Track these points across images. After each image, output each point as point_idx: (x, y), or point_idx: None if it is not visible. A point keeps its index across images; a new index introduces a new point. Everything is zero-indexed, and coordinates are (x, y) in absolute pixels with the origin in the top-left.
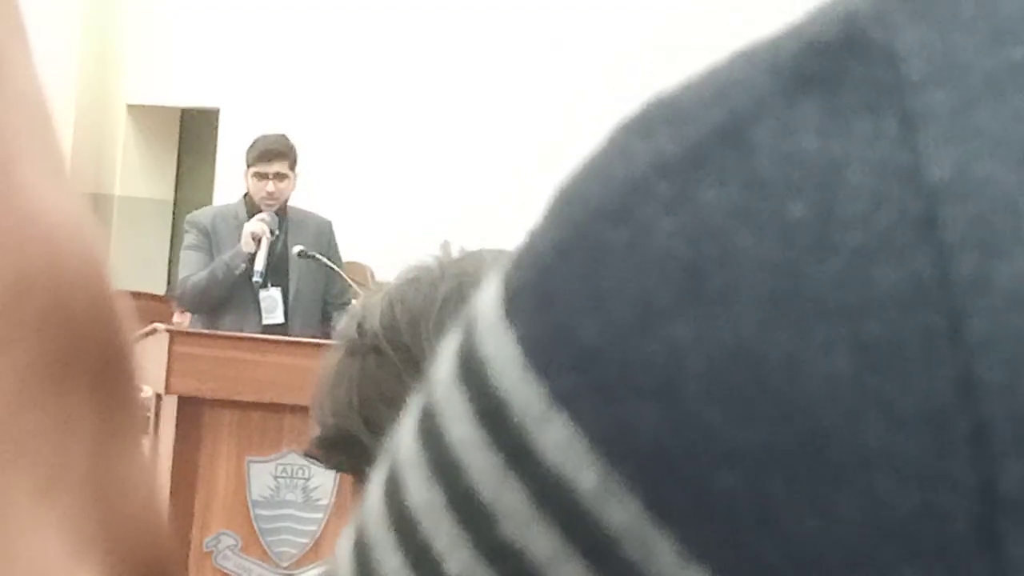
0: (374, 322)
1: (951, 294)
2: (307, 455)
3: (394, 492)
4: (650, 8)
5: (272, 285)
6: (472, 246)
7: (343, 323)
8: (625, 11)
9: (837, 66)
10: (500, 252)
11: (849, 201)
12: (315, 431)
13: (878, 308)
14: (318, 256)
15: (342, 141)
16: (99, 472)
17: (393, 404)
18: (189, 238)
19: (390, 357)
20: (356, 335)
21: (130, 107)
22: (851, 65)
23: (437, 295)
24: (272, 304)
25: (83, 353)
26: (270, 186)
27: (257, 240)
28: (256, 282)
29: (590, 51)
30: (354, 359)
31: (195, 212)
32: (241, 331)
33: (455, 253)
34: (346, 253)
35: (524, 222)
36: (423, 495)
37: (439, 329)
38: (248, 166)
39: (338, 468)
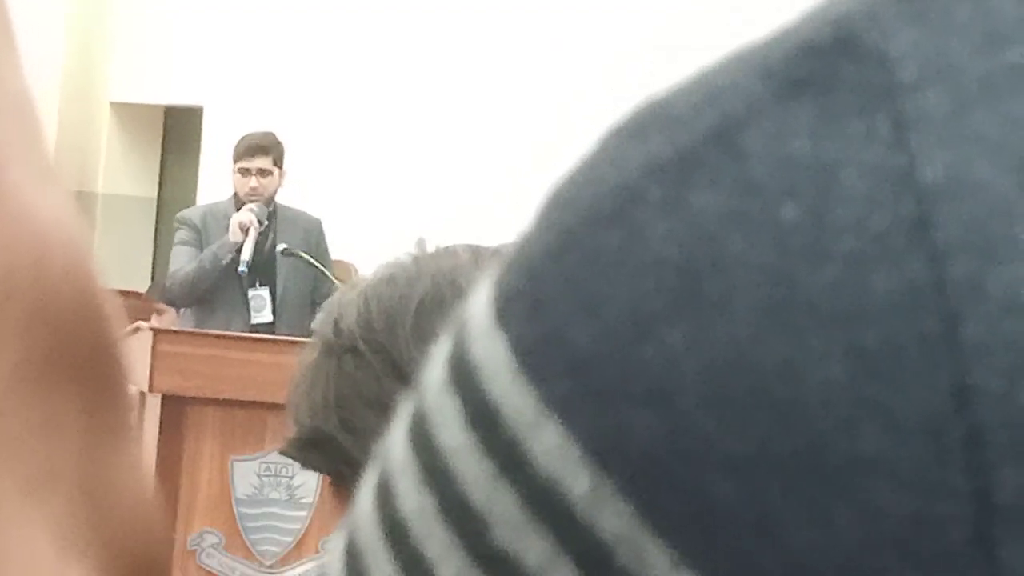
0: (350, 321)
1: (946, 299)
2: (283, 454)
3: (385, 498)
4: (650, 8)
5: (260, 284)
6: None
7: (318, 320)
8: (624, 11)
9: (830, 69)
10: (476, 248)
11: (842, 205)
12: (291, 430)
13: (873, 314)
14: (302, 254)
15: (327, 139)
16: (87, 471)
17: (371, 405)
18: (180, 234)
19: (367, 358)
20: (332, 334)
21: (113, 104)
22: (844, 68)
23: (414, 294)
24: (260, 303)
25: (70, 352)
26: (253, 181)
27: (245, 230)
28: (242, 271)
29: (585, 49)
30: (331, 359)
31: (185, 210)
32: (229, 330)
33: (430, 250)
34: (333, 251)
35: (516, 222)
36: (415, 501)
37: (417, 330)
38: (233, 161)
39: (314, 468)
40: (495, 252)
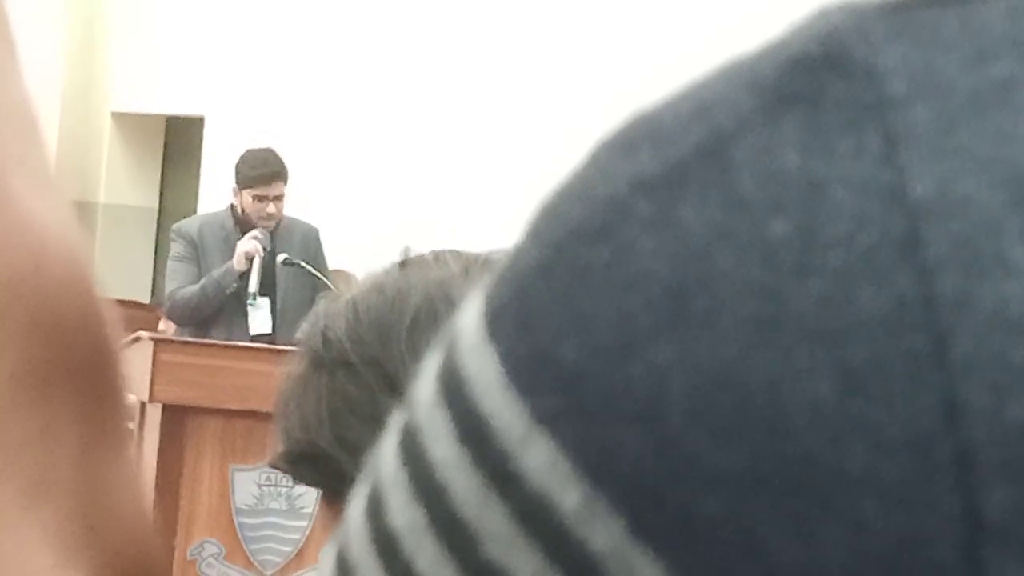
0: (339, 333)
1: (934, 315)
2: (273, 467)
3: (376, 512)
4: (647, 9)
5: (260, 295)
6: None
7: (303, 330)
8: (611, 17)
9: (819, 83)
10: (464, 256)
11: (831, 220)
12: (281, 444)
13: (861, 330)
14: (302, 264)
15: (328, 149)
16: (84, 479)
17: (366, 420)
18: (176, 248)
19: (360, 372)
20: (321, 347)
21: (115, 115)
22: (833, 82)
23: (407, 308)
24: (260, 314)
25: (69, 360)
26: (271, 207)
27: (250, 259)
28: (250, 304)
29: (581, 61)
30: (321, 373)
31: (181, 222)
32: (229, 340)
33: (415, 257)
34: (333, 261)
35: (513, 231)
36: (405, 516)
37: (411, 344)
38: (243, 186)
39: (307, 483)
40: (484, 261)
